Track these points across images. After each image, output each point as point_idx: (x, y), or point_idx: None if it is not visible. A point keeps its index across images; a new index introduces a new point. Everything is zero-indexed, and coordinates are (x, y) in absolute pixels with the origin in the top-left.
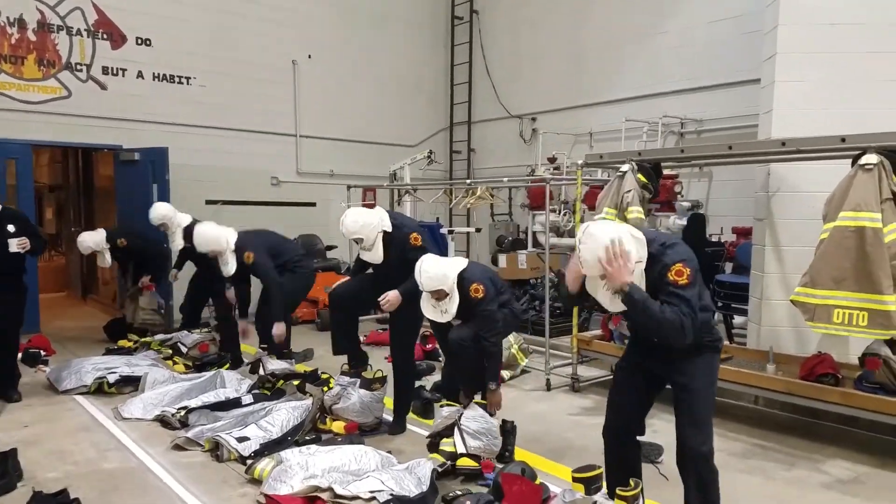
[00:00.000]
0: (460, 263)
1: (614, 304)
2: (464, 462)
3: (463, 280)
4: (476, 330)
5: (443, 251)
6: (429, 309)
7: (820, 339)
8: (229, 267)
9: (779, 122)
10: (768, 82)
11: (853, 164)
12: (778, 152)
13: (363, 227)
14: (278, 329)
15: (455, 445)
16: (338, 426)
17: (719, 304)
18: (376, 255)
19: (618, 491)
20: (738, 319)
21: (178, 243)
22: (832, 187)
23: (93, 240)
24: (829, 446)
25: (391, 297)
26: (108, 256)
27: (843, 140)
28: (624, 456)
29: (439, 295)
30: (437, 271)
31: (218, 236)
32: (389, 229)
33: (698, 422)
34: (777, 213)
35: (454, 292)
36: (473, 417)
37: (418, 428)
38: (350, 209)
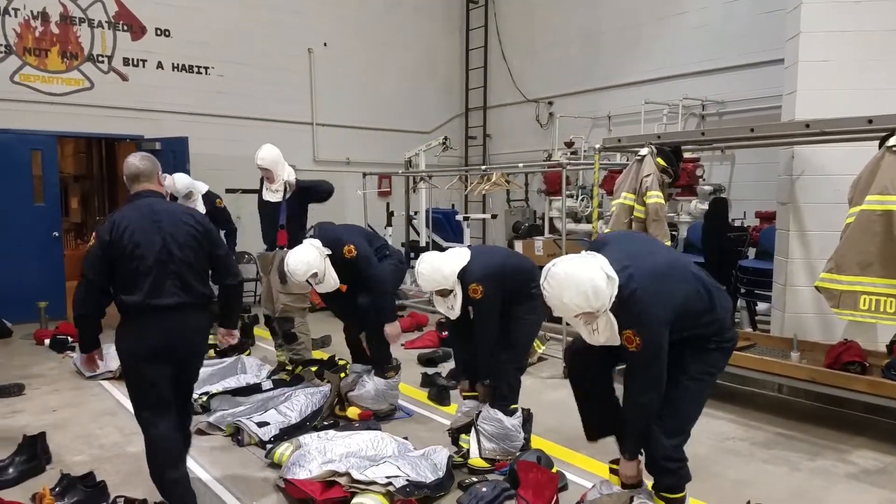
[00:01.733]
0: (461, 258)
1: (594, 339)
2: (475, 462)
3: (464, 276)
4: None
5: (458, 238)
6: (439, 303)
7: (846, 326)
8: (331, 281)
9: (803, 104)
10: (791, 62)
11: (880, 145)
12: (802, 134)
13: (310, 265)
14: (392, 329)
15: (471, 443)
16: (353, 412)
17: (742, 290)
18: (329, 283)
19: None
20: (761, 306)
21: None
22: (858, 170)
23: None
24: (856, 436)
25: (389, 331)
26: None
27: (870, 121)
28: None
29: (443, 292)
30: (430, 272)
31: (312, 258)
32: (329, 252)
33: (676, 423)
34: (801, 196)
35: (458, 288)
36: (489, 419)
37: (434, 414)
38: (289, 256)
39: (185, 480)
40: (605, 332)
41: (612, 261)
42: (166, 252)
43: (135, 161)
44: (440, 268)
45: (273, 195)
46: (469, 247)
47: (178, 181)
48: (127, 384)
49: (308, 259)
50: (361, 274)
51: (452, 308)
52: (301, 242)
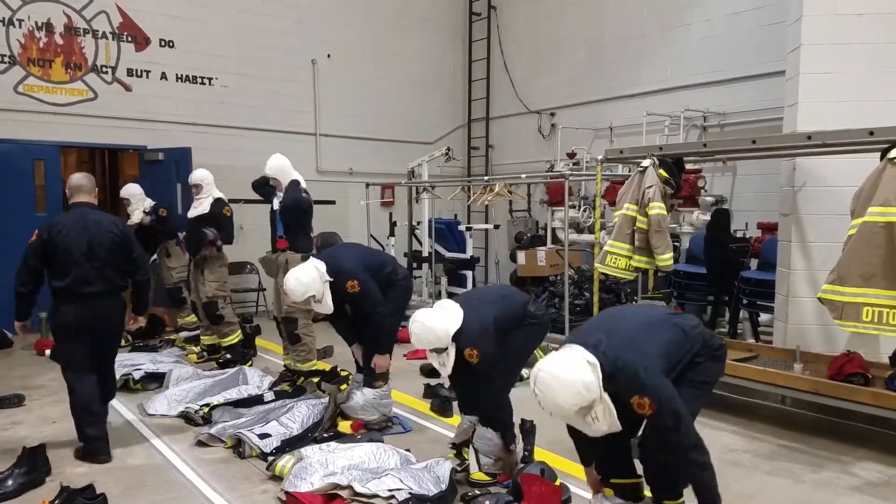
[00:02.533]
0: (454, 319)
1: (595, 430)
2: (476, 476)
3: (458, 338)
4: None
5: (461, 248)
6: (433, 358)
7: (849, 338)
8: (328, 305)
9: (804, 116)
10: (793, 74)
11: (882, 157)
12: (804, 146)
13: (308, 287)
14: (382, 361)
15: (470, 459)
16: (345, 426)
17: (744, 301)
18: (326, 307)
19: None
20: (764, 317)
21: (203, 208)
22: (860, 181)
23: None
24: (859, 448)
25: (378, 362)
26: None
27: (872, 133)
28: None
29: (436, 350)
30: (422, 332)
31: (310, 280)
32: (330, 279)
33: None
34: (803, 208)
35: (451, 348)
36: (482, 437)
37: (437, 426)
38: (289, 275)
39: (105, 439)
40: (605, 420)
41: (586, 346)
42: (91, 251)
43: (79, 177)
44: (433, 328)
45: (279, 201)
46: (463, 295)
47: (194, 174)
48: (57, 350)
49: (306, 281)
50: (363, 310)
51: (444, 365)
52: (301, 245)
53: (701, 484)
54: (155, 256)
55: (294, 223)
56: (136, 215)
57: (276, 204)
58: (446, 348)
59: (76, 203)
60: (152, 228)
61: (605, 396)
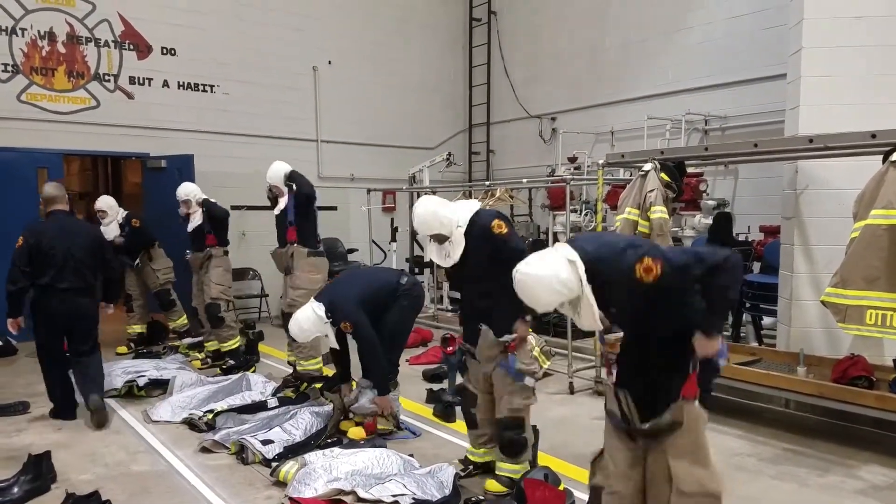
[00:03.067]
0: (470, 206)
1: (582, 323)
2: (491, 486)
3: (477, 220)
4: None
5: None
6: (433, 250)
7: (852, 341)
8: (333, 342)
9: (806, 119)
10: (794, 78)
11: (884, 160)
12: (806, 149)
13: (310, 332)
14: (383, 402)
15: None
16: (353, 432)
17: (748, 304)
18: (332, 343)
19: None
20: (767, 320)
21: (197, 220)
22: (862, 184)
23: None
24: (864, 451)
25: (380, 403)
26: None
27: (874, 136)
28: None
29: (439, 238)
30: (424, 214)
31: (310, 326)
32: (329, 319)
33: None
34: (806, 211)
35: (455, 235)
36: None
37: (440, 431)
38: (291, 321)
39: (70, 406)
40: (588, 318)
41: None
42: (70, 253)
43: (53, 188)
44: (436, 212)
45: (283, 204)
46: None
47: (181, 188)
48: (36, 339)
49: (307, 327)
50: (361, 347)
51: (449, 255)
52: (308, 238)
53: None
54: (138, 261)
55: (303, 213)
56: (112, 227)
57: (280, 206)
58: (450, 237)
59: (54, 211)
60: (130, 239)
61: (588, 292)
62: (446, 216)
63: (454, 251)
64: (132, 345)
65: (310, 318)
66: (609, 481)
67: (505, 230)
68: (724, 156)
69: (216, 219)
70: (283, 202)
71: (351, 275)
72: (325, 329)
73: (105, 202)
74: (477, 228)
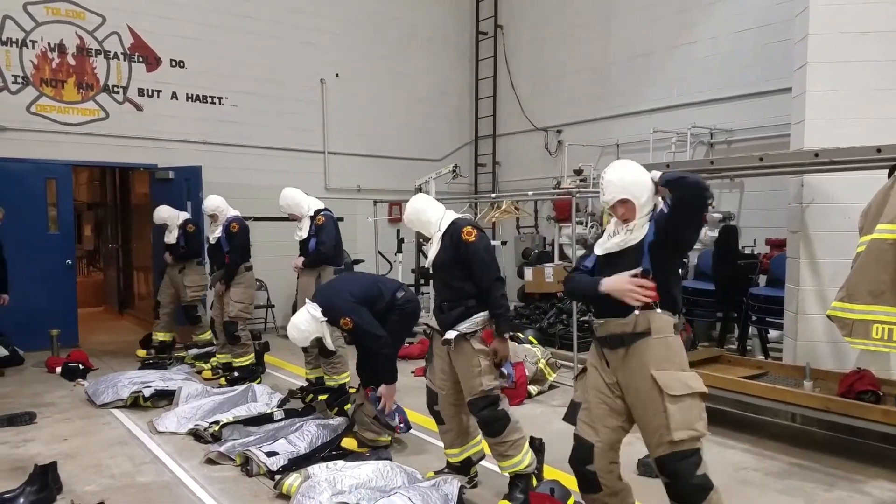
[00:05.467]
0: (453, 215)
1: (610, 244)
2: None
3: (453, 225)
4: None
5: None
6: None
7: (859, 355)
8: (330, 344)
9: (811, 133)
10: (799, 92)
11: (889, 174)
12: (811, 163)
13: (308, 333)
14: (388, 391)
15: None
16: (346, 442)
17: (753, 317)
18: (329, 344)
19: None
20: (773, 334)
21: (217, 235)
22: (868, 198)
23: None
24: (871, 466)
25: (385, 393)
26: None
27: (879, 150)
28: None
29: (422, 237)
30: (410, 211)
31: (307, 327)
32: (325, 318)
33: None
34: (811, 224)
35: (434, 237)
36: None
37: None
38: (289, 326)
39: None
40: (626, 235)
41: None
42: None
43: None
44: (421, 210)
45: (300, 233)
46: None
47: (207, 200)
48: None
49: (304, 328)
50: (363, 343)
51: (429, 254)
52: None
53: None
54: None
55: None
56: (173, 235)
57: (298, 234)
58: (430, 238)
59: None
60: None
61: (648, 223)
62: (428, 219)
63: (430, 252)
64: (153, 351)
65: (306, 319)
66: (587, 396)
67: (473, 237)
68: (730, 170)
69: (234, 239)
70: (301, 233)
71: (346, 276)
72: (322, 329)
73: (161, 214)
74: (452, 233)
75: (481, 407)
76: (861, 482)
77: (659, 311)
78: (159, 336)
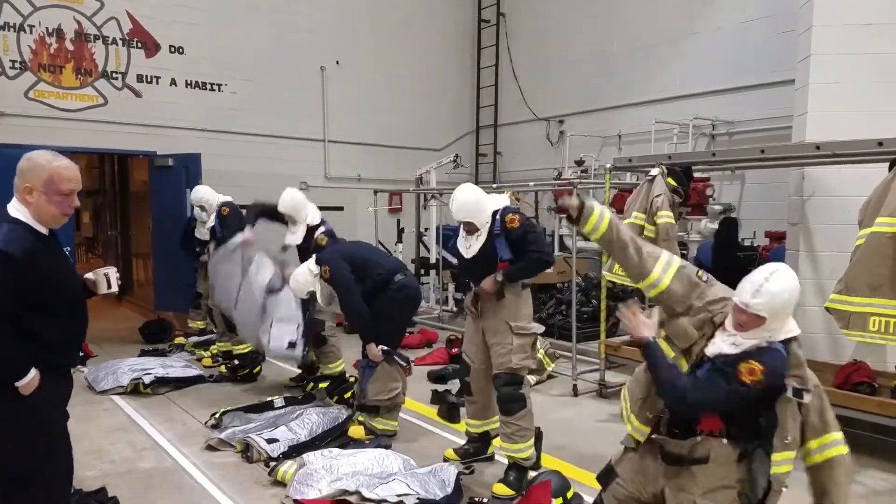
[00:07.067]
0: (500, 201)
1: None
2: (499, 489)
3: (498, 215)
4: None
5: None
6: (461, 237)
7: (855, 347)
8: (319, 299)
9: (813, 125)
10: (802, 84)
11: (890, 168)
12: (812, 156)
13: (304, 285)
14: (373, 350)
15: None
16: (353, 431)
17: None
18: (321, 299)
19: None
20: None
21: (210, 224)
22: (868, 191)
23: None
24: (865, 456)
25: (370, 351)
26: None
27: (881, 144)
28: None
29: (470, 228)
30: (466, 200)
31: (304, 279)
32: (317, 271)
33: None
34: (811, 217)
35: (484, 229)
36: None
37: (444, 432)
38: (291, 278)
39: None
40: None
41: None
42: None
43: None
44: (479, 199)
45: (291, 237)
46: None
47: (195, 192)
48: None
49: (301, 280)
50: (339, 296)
51: (470, 247)
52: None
53: None
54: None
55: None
56: (207, 226)
57: (288, 237)
58: (479, 231)
59: None
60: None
61: None
62: (486, 209)
63: (475, 244)
64: (187, 336)
65: (303, 272)
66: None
67: (517, 223)
68: (732, 161)
69: (227, 221)
70: (293, 237)
71: (351, 242)
72: (315, 284)
73: (200, 194)
74: (498, 223)
75: (505, 382)
76: (854, 472)
77: None
78: (198, 324)
